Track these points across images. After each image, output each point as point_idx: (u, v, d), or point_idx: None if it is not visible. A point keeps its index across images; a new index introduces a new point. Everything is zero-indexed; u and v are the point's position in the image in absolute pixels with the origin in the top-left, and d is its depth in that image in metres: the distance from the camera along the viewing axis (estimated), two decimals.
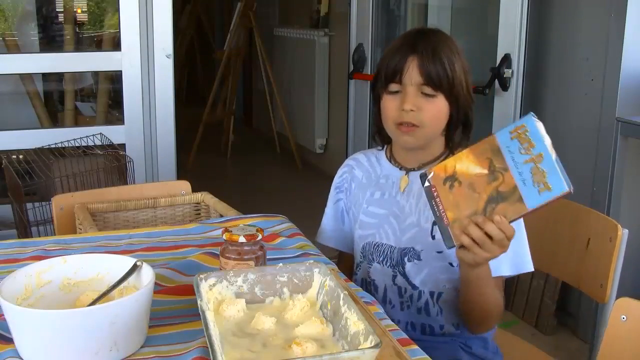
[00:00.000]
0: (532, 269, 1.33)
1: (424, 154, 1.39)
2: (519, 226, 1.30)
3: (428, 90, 1.30)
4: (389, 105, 1.34)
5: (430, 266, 1.36)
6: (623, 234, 1.36)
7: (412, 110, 1.30)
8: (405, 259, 1.38)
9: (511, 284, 2.74)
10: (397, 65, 1.31)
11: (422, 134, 1.33)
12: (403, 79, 1.30)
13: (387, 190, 1.42)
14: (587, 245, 1.44)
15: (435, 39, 1.32)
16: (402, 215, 1.39)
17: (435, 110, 1.31)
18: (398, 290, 1.41)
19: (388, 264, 1.40)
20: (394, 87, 1.32)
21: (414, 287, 1.39)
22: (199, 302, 0.94)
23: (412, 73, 1.30)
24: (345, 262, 1.57)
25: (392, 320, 1.39)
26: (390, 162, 1.44)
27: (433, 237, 1.34)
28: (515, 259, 1.31)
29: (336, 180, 1.54)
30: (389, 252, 1.40)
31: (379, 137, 1.46)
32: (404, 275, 1.39)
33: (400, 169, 1.42)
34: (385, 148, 1.47)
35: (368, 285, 1.45)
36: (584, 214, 1.48)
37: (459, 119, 1.35)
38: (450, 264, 1.34)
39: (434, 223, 1.33)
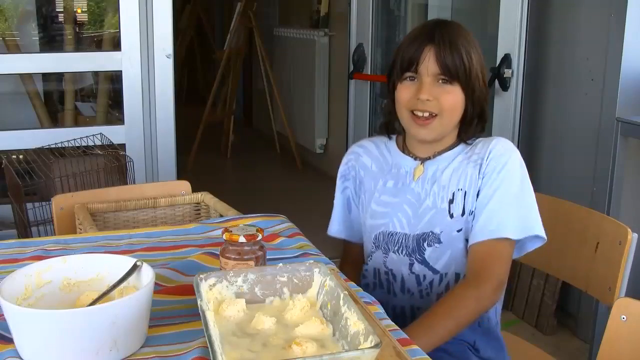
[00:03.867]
0: (544, 235, 1.30)
1: (438, 144, 1.39)
2: (522, 191, 1.30)
3: (445, 79, 1.30)
4: (404, 93, 1.33)
5: (452, 247, 1.35)
6: (633, 237, 1.35)
7: (428, 100, 1.30)
8: (425, 244, 1.37)
9: (511, 284, 2.74)
10: (413, 55, 1.30)
11: (438, 125, 1.32)
12: (419, 69, 1.30)
13: (400, 180, 1.41)
14: (596, 248, 1.43)
15: (453, 30, 1.31)
16: (418, 201, 1.38)
17: (453, 100, 1.31)
18: (416, 279, 1.39)
19: (404, 252, 1.39)
20: (409, 75, 1.32)
21: (434, 271, 1.37)
22: (199, 302, 0.94)
23: (429, 63, 1.29)
24: (352, 252, 1.56)
25: (412, 307, 1.40)
26: (404, 152, 1.43)
27: (451, 216, 1.34)
28: (522, 222, 1.29)
29: (341, 168, 1.53)
30: (403, 241, 1.39)
31: (387, 128, 1.45)
32: (423, 262, 1.38)
33: (415, 159, 1.41)
34: (396, 137, 1.47)
35: (383, 275, 1.44)
36: (593, 218, 1.47)
37: (474, 111, 1.34)
38: (467, 240, 1.34)
39: (450, 202, 1.34)
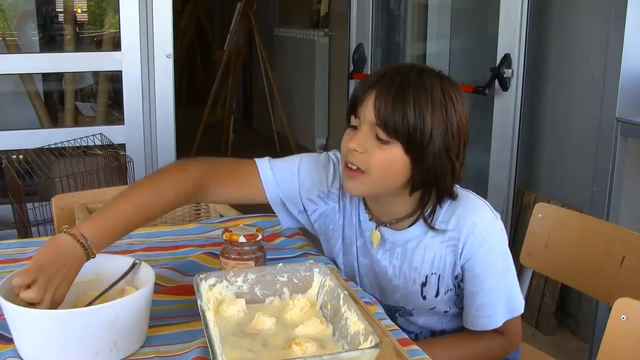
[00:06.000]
0: (522, 309, 1.28)
1: (392, 209, 1.23)
2: (506, 269, 1.23)
3: (381, 133, 1.11)
4: (344, 140, 1.18)
5: (425, 317, 1.31)
6: None
7: (356, 151, 1.14)
8: (397, 314, 1.31)
9: None
10: (357, 97, 1.15)
11: (366, 182, 1.15)
12: (359, 113, 1.14)
13: (366, 241, 1.29)
14: (621, 263, 1.42)
15: (412, 79, 1.11)
16: (386, 277, 1.27)
17: (385, 159, 1.12)
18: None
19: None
20: (353, 121, 1.16)
21: (408, 332, 1.30)
22: (199, 302, 0.94)
23: (368, 109, 1.12)
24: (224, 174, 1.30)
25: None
26: (366, 210, 1.28)
27: (424, 298, 1.26)
28: (509, 303, 1.26)
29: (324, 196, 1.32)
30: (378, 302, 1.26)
31: None
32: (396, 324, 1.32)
33: (370, 219, 1.27)
34: None
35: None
36: (618, 233, 1.46)
37: (423, 180, 1.15)
38: (446, 312, 1.29)
39: (423, 284, 1.25)
